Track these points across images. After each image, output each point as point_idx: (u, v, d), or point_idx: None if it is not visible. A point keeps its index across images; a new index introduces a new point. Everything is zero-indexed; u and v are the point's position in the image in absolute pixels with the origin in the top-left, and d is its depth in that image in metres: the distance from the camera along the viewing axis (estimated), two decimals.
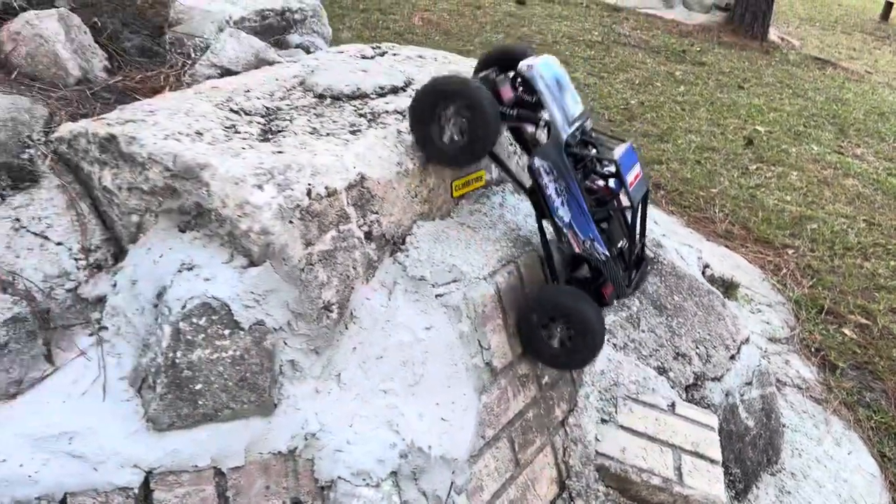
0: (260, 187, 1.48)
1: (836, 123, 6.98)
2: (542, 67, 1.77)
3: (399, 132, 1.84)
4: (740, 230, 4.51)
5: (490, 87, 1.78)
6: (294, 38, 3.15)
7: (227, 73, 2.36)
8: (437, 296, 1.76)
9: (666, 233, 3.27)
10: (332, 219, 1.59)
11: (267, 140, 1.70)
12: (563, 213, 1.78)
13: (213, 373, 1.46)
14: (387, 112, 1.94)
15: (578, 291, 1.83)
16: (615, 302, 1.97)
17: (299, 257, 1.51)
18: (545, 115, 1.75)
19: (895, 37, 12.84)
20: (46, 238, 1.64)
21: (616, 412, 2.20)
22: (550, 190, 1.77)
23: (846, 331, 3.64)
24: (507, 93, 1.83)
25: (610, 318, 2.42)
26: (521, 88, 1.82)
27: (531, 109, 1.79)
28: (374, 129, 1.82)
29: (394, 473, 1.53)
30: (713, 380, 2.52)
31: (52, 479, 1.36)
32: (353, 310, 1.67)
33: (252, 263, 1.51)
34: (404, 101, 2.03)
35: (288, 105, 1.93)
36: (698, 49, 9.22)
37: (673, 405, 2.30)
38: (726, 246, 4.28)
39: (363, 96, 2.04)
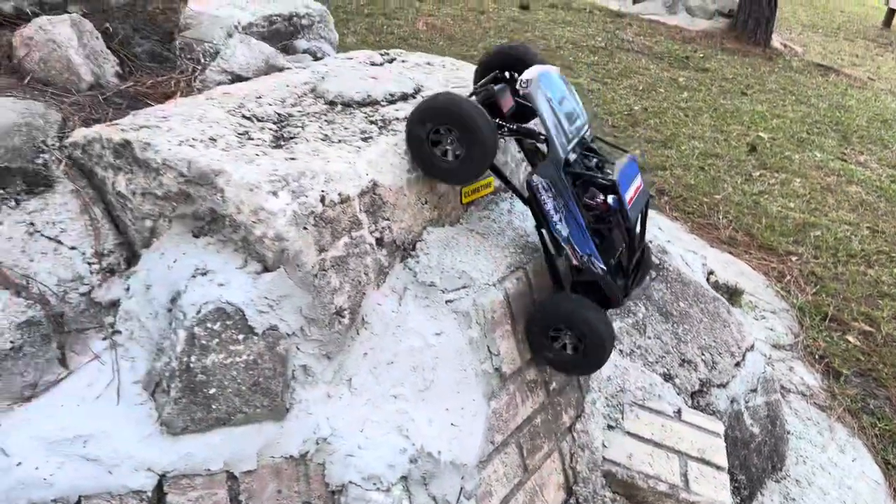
0: (275, 194, 1.50)
1: (840, 130, 7.00)
2: (542, 83, 1.73)
3: None
4: (744, 237, 4.52)
5: (489, 99, 1.76)
6: (301, 43, 3.17)
7: (237, 78, 2.37)
8: (447, 301, 1.78)
9: (670, 239, 3.28)
10: (344, 225, 1.60)
11: (279, 147, 1.71)
12: (562, 229, 1.78)
13: (227, 377, 1.47)
14: (397, 119, 1.95)
15: (583, 300, 1.84)
16: (618, 306, 1.97)
17: (313, 263, 1.52)
18: (544, 129, 1.73)
19: None
20: (60, 242, 1.66)
21: (622, 418, 2.21)
22: (549, 206, 1.77)
23: (850, 338, 3.65)
24: (508, 102, 1.80)
25: (616, 325, 2.43)
26: (521, 95, 1.79)
27: (532, 116, 1.78)
28: (386, 136, 1.84)
29: (404, 478, 1.54)
30: (718, 386, 2.53)
31: (67, 481, 1.37)
32: (364, 315, 1.69)
33: (266, 269, 1.52)
34: None
35: (299, 112, 1.95)
36: (701, 55, 9.25)
37: (679, 412, 2.31)
38: (730, 252, 4.29)
39: (374, 103, 2.05)
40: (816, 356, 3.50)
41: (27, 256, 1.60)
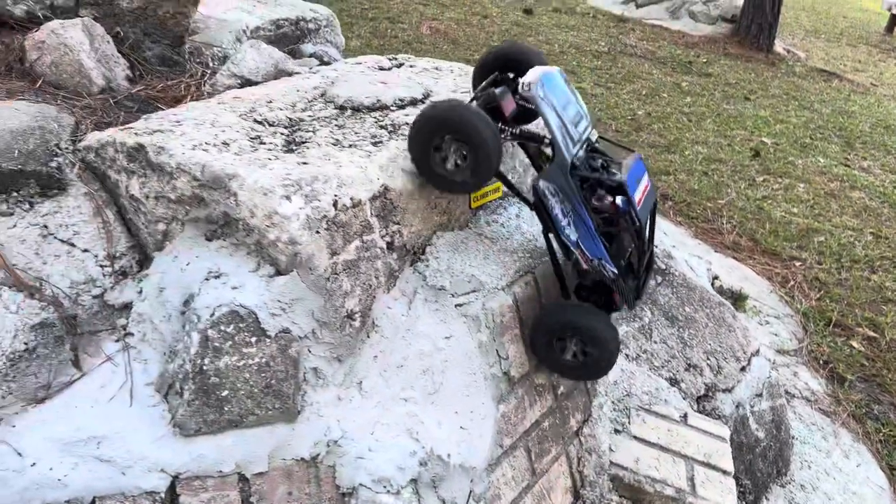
0: (288, 198, 1.51)
1: (843, 136, 7.01)
2: (544, 86, 1.68)
3: None
4: (748, 242, 4.53)
5: (491, 103, 1.73)
6: (308, 47, 3.19)
7: (247, 83, 2.39)
8: (456, 305, 1.79)
9: (675, 244, 3.29)
10: (356, 229, 1.62)
11: (291, 151, 1.73)
12: (571, 233, 1.75)
13: (240, 379, 1.48)
14: (407, 124, 1.97)
15: (588, 307, 1.84)
16: (631, 309, 1.98)
17: (325, 267, 1.53)
18: (549, 133, 1.69)
19: None
20: (73, 245, 1.67)
21: (629, 422, 2.22)
22: (557, 211, 1.73)
23: (854, 343, 3.65)
24: (510, 105, 1.76)
25: (622, 329, 2.44)
26: (523, 98, 1.74)
27: (533, 115, 1.76)
28: (396, 140, 1.85)
29: (413, 481, 1.54)
30: (724, 391, 2.54)
31: (81, 482, 1.38)
32: (374, 318, 1.70)
33: (279, 272, 1.53)
34: None
35: (310, 116, 1.96)
36: (704, 60, 9.26)
37: (685, 416, 2.32)
38: (734, 258, 4.30)
39: (383, 108, 2.07)
40: (821, 361, 3.50)
41: (41, 259, 1.61)
